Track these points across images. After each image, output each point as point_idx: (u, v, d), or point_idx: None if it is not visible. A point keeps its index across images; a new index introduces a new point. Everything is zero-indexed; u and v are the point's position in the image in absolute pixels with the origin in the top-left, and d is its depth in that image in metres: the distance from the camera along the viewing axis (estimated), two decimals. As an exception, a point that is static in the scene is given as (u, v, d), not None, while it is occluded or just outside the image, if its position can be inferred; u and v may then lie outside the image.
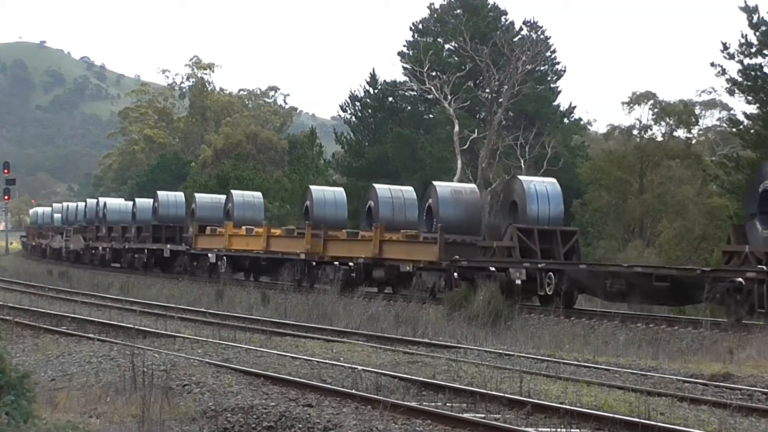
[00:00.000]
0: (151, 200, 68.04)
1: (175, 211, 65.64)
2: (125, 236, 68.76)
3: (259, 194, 59.97)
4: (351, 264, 44.17)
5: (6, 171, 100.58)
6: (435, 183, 44.06)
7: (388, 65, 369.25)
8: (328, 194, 51.54)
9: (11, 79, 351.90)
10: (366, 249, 43.54)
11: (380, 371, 18.36)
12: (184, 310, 35.19)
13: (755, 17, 54.11)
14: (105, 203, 77.40)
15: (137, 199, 72.44)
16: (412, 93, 80.00)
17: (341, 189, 54.34)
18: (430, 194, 42.82)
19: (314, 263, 46.49)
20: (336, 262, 44.93)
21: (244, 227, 53.96)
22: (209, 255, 55.55)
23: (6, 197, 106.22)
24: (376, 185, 48.25)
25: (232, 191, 59.44)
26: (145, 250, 65.11)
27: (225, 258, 54.19)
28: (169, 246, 62.72)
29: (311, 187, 53.37)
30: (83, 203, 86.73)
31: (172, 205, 65.88)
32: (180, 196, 67.43)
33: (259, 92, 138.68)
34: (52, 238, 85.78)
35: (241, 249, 53.61)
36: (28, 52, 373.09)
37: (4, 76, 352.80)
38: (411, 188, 49.08)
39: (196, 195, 62.77)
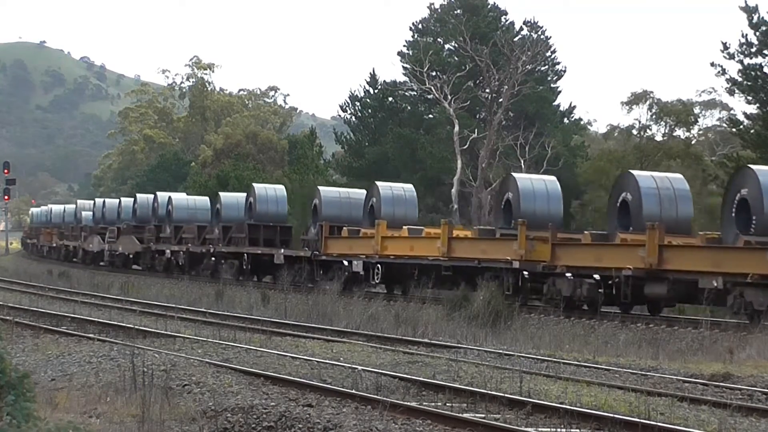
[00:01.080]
0: (243, 195, 57.14)
1: (276, 209, 54.44)
2: (204, 238, 57.85)
3: (410, 186, 48.74)
4: (598, 277, 33.48)
5: (6, 171, 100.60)
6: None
7: (388, 65, 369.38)
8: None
9: (11, 79, 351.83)
10: (632, 257, 32.28)
11: (380, 371, 18.36)
12: (184, 310, 35.20)
13: (755, 17, 54.16)
14: (170, 198, 65.20)
15: (222, 194, 60.14)
16: (412, 93, 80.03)
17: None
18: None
19: (535, 274, 36.00)
20: (569, 274, 34.27)
21: (405, 227, 43.15)
22: (353, 263, 44.08)
23: (6, 197, 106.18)
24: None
25: (378, 183, 47.88)
26: (244, 255, 52.93)
27: (379, 266, 43.24)
28: (282, 251, 50.06)
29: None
30: (128, 198, 75.88)
31: (272, 201, 54.54)
32: (280, 189, 56.15)
33: (259, 92, 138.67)
34: (86, 240, 74.53)
35: (402, 255, 42.35)
36: (28, 52, 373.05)
37: (4, 76, 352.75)
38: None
39: (320, 189, 52.06)
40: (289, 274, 45.10)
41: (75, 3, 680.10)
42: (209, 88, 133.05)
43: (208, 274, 55.77)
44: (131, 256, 66.83)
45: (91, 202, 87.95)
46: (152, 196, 69.16)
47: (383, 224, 43.16)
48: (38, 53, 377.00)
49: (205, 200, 63.85)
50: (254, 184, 56.94)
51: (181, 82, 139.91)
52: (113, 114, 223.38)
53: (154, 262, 63.51)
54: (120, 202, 75.91)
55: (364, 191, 49.27)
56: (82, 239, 76.43)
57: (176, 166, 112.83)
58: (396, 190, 47.09)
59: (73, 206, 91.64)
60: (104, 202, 79.79)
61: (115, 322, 28.28)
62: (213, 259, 56.28)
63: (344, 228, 45.59)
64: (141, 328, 26.38)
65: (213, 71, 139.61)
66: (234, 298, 42.70)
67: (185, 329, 27.23)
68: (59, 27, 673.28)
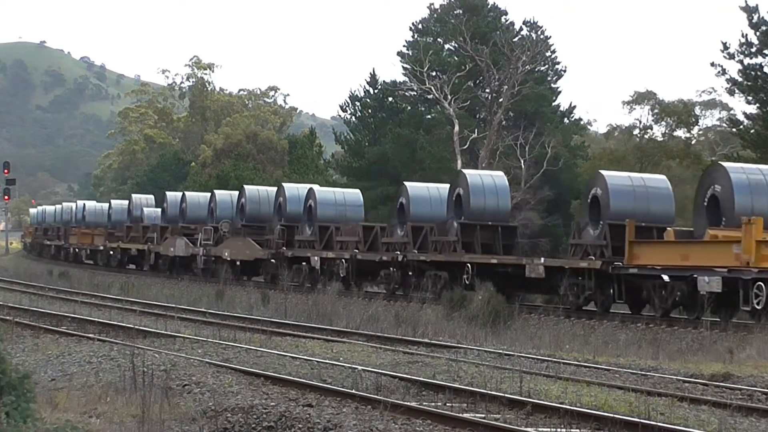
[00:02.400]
0: (443, 187, 44.51)
1: (496, 203, 41.32)
2: (382, 242, 44.25)
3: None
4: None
5: (6, 171, 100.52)
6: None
7: (388, 65, 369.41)
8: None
9: (11, 79, 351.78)
10: (725, 255, 29.03)
11: (380, 371, 18.36)
12: (184, 310, 35.21)
13: (755, 17, 54.15)
14: (311, 191, 50.36)
15: (409, 185, 45.50)
16: (412, 93, 79.98)
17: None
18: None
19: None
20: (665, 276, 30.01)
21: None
22: (703, 279, 29.91)
23: (6, 197, 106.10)
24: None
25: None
26: (467, 266, 38.41)
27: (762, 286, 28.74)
28: (543, 260, 37.09)
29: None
30: (229, 193, 60.92)
31: (489, 192, 41.32)
32: (500, 177, 42.64)
33: (259, 92, 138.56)
34: (165, 242, 60.39)
35: None
36: (28, 52, 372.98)
37: (4, 76, 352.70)
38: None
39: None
40: (572, 294, 34.90)
41: (75, 3, 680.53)
42: (209, 88, 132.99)
43: (411, 294, 40.62)
44: (238, 263, 52.60)
45: (148, 196, 76.64)
46: (270, 188, 56.05)
47: (759, 222, 29.38)
48: (38, 53, 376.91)
49: (356, 194, 51.48)
50: (463, 170, 47.06)
51: (181, 82, 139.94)
52: (113, 114, 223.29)
53: (289, 272, 47.20)
54: (213, 196, 59.37)
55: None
56: (155, 241, 62.47)
57: (176, 166, 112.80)
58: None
59: (122, 202, 78.97)
60: (182, 197, 65.08)
61: (115, 322, 28.28)
62: (398, 270, 42.07)
63: (668, 229, 33.76)
64: (141, 328, 26.39)
65: (213, 71, 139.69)
66: (234, 298, 42.73)
67: (185, 329, 27.24)
68: (59, 27, 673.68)
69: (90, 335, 24.49)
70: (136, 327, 25.97)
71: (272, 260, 50.08)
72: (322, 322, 32.24)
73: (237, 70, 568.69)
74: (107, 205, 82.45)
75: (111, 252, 71.03)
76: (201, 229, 56.92)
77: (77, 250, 79.63)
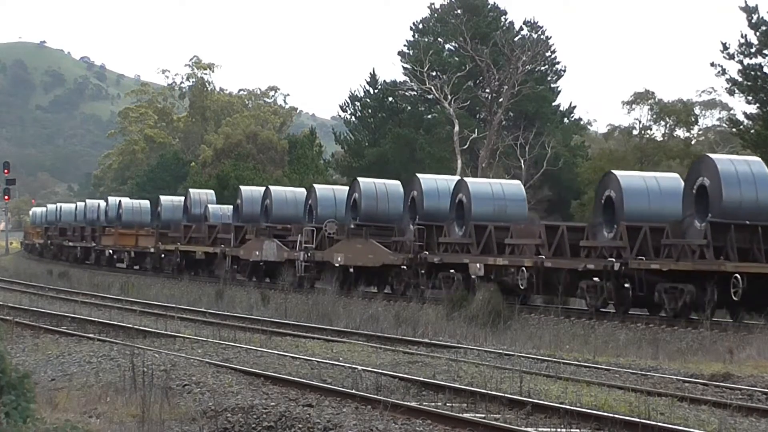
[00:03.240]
0: (672, 177, 36.67)
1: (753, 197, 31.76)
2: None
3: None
4: None
5: (6, 171, 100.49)
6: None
7: (388, 65, 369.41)
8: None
9: (11, 79, 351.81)
10: None
11: (380, 371, 18.36)
12: (184, 310, 35.21)
13: (755, 17, 54.17)
14: (461, 182, 41.67)
15: (621, 174, 36.00)
16: (412, 93, 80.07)
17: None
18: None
19: None
20: None
21: None
22: None
23: (6, 197, 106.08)
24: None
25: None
26: (734, 277, 29.47)
27: None
28: None
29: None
30: (332, 188, 53.23)
31: (746, 185, 31.70)
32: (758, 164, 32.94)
33: (259, 92, 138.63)
34: (253, 245, 50.82)
35: None
36: (28, 52, 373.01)
37: (4, 76, 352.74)
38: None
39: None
40: None
41: (75, 3, 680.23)
42: (209, 88, 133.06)
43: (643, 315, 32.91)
44: (351, 269, 43.93)
45: (208, 191, 66.65)
46: (390, 182, 48.26)
47: None
48: (38, 53, 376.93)
49: (517, 186, 42.51)
50: (709, 155, 35.69)
51: (181, 82, 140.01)
52: (113, 114, 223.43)
53: (429, 282, 39.85)
54: (313, 191, 49.92)
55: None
56: (231, 244, 53.20)
57: (176, 166, 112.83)
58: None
59: (174, 198, 69.33)
60: (241, 191, 57.20)
61: (115, 322, 28.28)
62: (608, 281, 33.04)
63: None
64: (141, 328, 26.38)
65: (213, 71, 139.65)
66: (234, 298, 42.71)
67: (185, 329, 27.23)
68: (59, 27, 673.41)
69: (90, 335, 24.49)
70: (136, 327, 25.97)
71: (406, 267, 40.77)
72: (322, 322, 32.24)
73: (237, 70, 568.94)
74: (148, 201, 75.53)
75: (163, 255, 61.38)
76: (299, 229, 47.62)
77: (113, 252, 70.26)
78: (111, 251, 70.44)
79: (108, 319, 29.64)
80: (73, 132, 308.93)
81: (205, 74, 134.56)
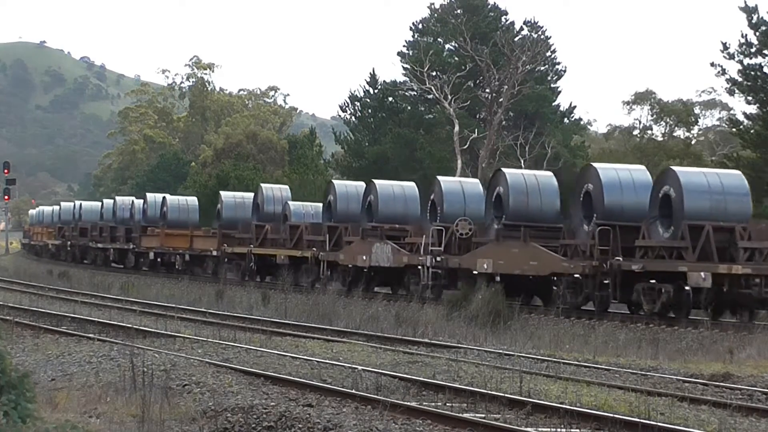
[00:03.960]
0: None
1: None
2: None
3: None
4: None
5: (6, 171, 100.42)
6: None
7: (388, 65, 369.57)
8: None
9: (11, 79, 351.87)
10: None
11: (380, 371, 18.36)
12: (184, 310, 35.20)
13: (755, 17, 54.21)
14: (675, 173, 33.48)
15: None
16: (412, 93, 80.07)
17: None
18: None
19: None
20: None
21: None
22: None
23: (6, 197, 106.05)
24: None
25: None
26: None
27: None
28: None
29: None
30: (458, 180, 47.59)
31: None
32: None
33: (259, 92, 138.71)
34: (359, 248, 43.28)
35: None
36: (28, 52, 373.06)
37: (4, 76, 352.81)
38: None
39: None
40: None
41: (75, 3, 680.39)
42: (209, 88, 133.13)
43: None
44: (498, 278, 36.94)
45: (282, 186, 58.27)
46: (542, 173, 43.04)
47: None
48: (38, 53, 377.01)
49: (737, 177, 34.39)
50: None
51: (181, 82, 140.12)
52: (113, 114, 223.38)
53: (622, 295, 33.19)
54: (438, 185, 42.90)
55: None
56: (326, 247, 45.79)
57: (176, 166, 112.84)
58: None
59: (237, 195, 60.79)
60: (333, 185, 49.29)
61: (115, 322, 28.27)
62: None
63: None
64: (141, 328, 26.37)
65: (213, 71, 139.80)
66: (234, 298, 42.70)
67: (185, 329, 27.23)
68: (59, 27, 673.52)
69: (90, 335, 24.49)
70: (136, 327, 25.95)
71: (584, 276, 33.84)
72: (322, 322, 32.23)
73: (237, 70, 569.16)
74: (195, 198, 68.45)
75: (229, 259, 54.69)
76: (418, 230, 42.05)
77: (158, 255, 63.18)
78: (155, 254, 63.04)
79: (108, 319, 29.64)
80: (73, 132, 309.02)
81: (205, 74, 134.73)
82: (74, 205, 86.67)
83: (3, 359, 10.47)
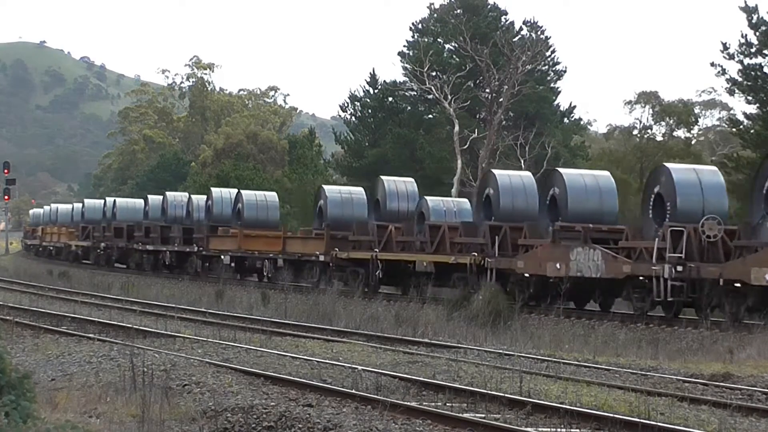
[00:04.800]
0: None
1: None
2: None
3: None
4: None
5: (6, 171, 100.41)
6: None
7: (388, 65, 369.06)
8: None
9: (11, 79, 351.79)
10: None
11: (380, 371, 18.36)
12: (184, 310, 35.19)
13: (755, 17, 54.21)
14: None
15: None
16: (412, 93, 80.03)
17: None
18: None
19: None
20: None
21: None
22: None
23: (6, 197, 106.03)
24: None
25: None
26: None
27: None
28: None
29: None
30: (699, 169, 35.82)
31: None
32: None
33: (259, 92, 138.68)
34: (548, 253, 34.62)
35: None
36: (28, 52, 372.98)
37: (4, 76, 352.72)
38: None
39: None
40: None
41: (75, 3, 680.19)
42: (209, 88, 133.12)
43: None
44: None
45: (406, 179, 48.89)
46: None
47: None
48: (38, 53, 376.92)
49: None
50: None
51: (181, 82, 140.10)
52: (113, 114, 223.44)
53: None
54: (667, 173, 33.45)
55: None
56: (496, 252, 36.94)
57: (176, 166, 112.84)
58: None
59: (338, 189, 52.08)
60: (494, 176, 40.49)
61: (115, 322, 28.28)
62: None
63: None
64: (141, 328, 26.38)
65: (213, 71, 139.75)
66: (234, 298, 42.70)
67: (185, 329, 27.23)
68: (59, 27, 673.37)
69: (90, 335, 24.49)
70: (136, 327, 25.96)
71: None
72: (322, 322, 32.23)
73: (237, 70, 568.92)
74: (275, 194, 59.65)
75: (339, 266, 45.15)
76: (636, 231, 33.94)
77: (238, 259, 53.66)
78: (233, 257, 53.80)
79: (108, 319, 29.64)
80: (73, 132, 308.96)
81: (205, 74, 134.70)
82: (105, 202, 78.58)
83: (3, 359, 10.48)
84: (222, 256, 54.05)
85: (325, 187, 50.75)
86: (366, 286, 42.55)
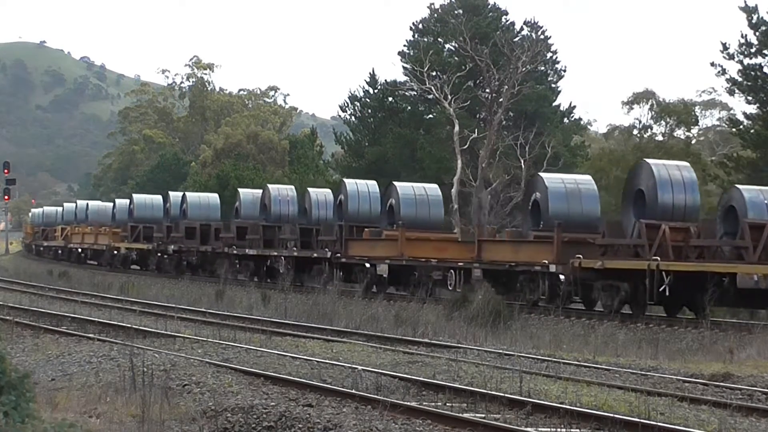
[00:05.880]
0: None
1: None
2: None
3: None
4: None
5: (6, 171, 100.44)
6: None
7: (388, 65, 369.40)
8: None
9: (11, 79, 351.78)
10: None
11: (380, 371, 18.36)
12: (184, 310, 35.19)
13: (755, 17, 54.21)
14: None
15: None
16: (412, 93, 79.99)
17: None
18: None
19: None
20: None
21: None
22: None
23: (6, 197, 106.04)
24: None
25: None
26: None
27: None
28: None
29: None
30: None
31: None
32: None
33: (259, 92, 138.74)
34: None
35: None
36: (28, 52, 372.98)
37: (4, 76, 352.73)
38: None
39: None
40: None
41: (75, 3, 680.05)
42: (209, 88, 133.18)
43: None
44: None
45: (675, 165, 35.78)
46: None
47: None
48: (38, 53, 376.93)
49: None
50: None
51: (181, 82, 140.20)
52: (113, 114, 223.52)
53: None
54: None
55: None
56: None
57: (176, 166, 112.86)
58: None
59: (574, 178, 40.60)
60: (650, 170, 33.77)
61: (115, 322, 28.27)
62: None
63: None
64: (141, 328, 26.38)
65: (213, 71, 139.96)
66: (234, 298, 42.69)
67: (185, 329, 27.23)
68: (59, 27, 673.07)
69: (90, 335, 24.49)
70: (136, 327, 25.96)
71: None
72: (322, 322, 32.22)
73: (237, 70, 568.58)
74: (436, 187, 47.41)
75: (588, 279, 33.86)
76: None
77: (397, 269, 42.57)
78: (391, 267, 42.50)
79: (108, 319, 29.64)
80: (73, 132, 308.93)
81: (205, 74, 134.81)
82: (176, 197, 64.81)
83: (3, 360, 10.47)
84: (373, 265, 43.13)
85: (543, 175, 40.93)
86: (641, 308, 32.35)
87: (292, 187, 56.59)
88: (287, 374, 18.03)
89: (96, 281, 54.69)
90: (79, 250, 76.02)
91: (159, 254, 61.95)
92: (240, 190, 59.36)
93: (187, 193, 64.64)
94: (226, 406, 14.86)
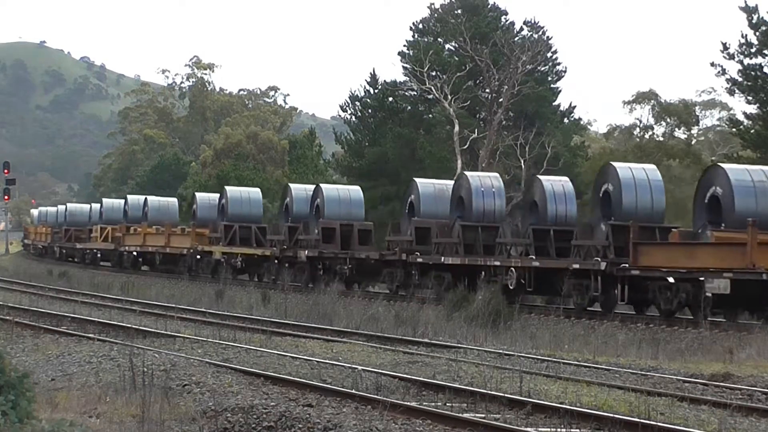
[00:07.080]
0: None
1: None
2: None
3: None
4: None
5: (6, 171, 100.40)
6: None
7: (388, 65, 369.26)
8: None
9: (11, 79, 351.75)
10: None
11: (380, 371, 18.35)
12: (184, 310, 35.19)
13: (755, 17, 54.22)
14: None
15: None
16: (412, 93, 79.97)
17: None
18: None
19: None
20: None
21: None
22: None
23: (6, 197, 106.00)
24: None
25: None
26: None
27: None
28: None
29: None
30: None
31: None
32: None
33: (259, 92, 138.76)
34: None
35: None
36: (28, 52, 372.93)
37: (4, 76, 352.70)
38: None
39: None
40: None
41: (75, 3, 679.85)
42: (209, 88, 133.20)
43: None
44: None
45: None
46: None
47: None
48: (38, 53, 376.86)
49: None
50: None
51: (181, 82, 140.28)
52: (113, 114, 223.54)
53: None
54: None
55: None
56: None
57: (176, 166, 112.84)
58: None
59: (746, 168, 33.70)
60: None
61: (115, 322, 28.27)
62: None
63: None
64: (141, 328, 26.38)
65: (213, 71, 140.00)
66: (234, 298, 42.68)
67: (185, 329, 27.22)
68: (59, 27, 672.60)
69: (90, 335, 24.49)
70: (136, 327, 25.96)
71: None
72: (322, 322, 32.22)
73: (237, 70, 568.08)
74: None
75: None
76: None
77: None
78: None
79: (108, 319, 29.64)
80: (73, 132, 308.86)
81: (205, 74, 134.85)
82: (299, 190, 51.53)
83: (3, 359, 10.48)
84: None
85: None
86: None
87: (497, 175, 44.07)
88: (287, 374, 18.03)
89: (96, 281, 54.68)
90: (134, 252, 64.60)
91: (277, 261, 49.69)
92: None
93: (322, 185, 49.95)
94: (226, 406, 14.86)
